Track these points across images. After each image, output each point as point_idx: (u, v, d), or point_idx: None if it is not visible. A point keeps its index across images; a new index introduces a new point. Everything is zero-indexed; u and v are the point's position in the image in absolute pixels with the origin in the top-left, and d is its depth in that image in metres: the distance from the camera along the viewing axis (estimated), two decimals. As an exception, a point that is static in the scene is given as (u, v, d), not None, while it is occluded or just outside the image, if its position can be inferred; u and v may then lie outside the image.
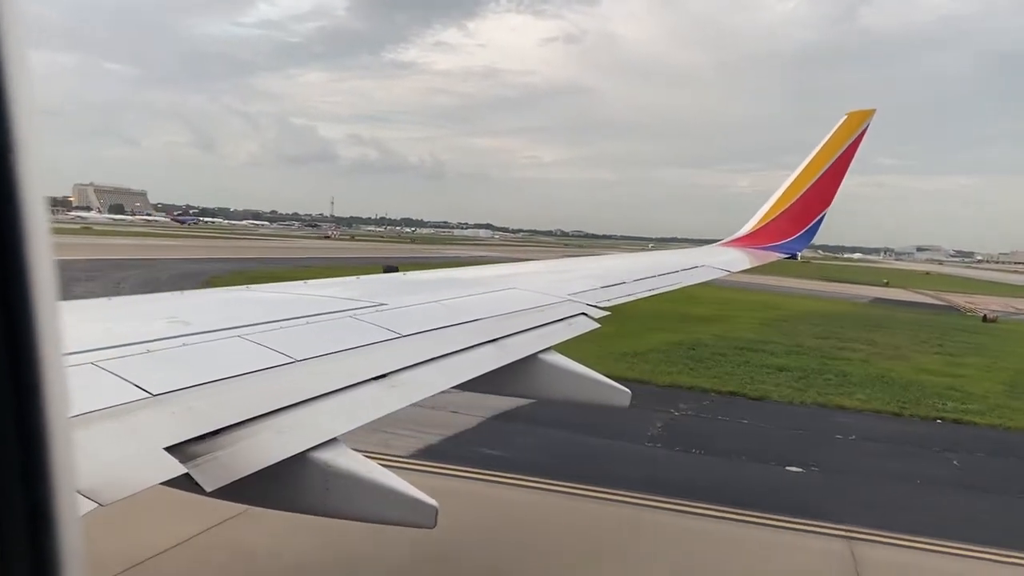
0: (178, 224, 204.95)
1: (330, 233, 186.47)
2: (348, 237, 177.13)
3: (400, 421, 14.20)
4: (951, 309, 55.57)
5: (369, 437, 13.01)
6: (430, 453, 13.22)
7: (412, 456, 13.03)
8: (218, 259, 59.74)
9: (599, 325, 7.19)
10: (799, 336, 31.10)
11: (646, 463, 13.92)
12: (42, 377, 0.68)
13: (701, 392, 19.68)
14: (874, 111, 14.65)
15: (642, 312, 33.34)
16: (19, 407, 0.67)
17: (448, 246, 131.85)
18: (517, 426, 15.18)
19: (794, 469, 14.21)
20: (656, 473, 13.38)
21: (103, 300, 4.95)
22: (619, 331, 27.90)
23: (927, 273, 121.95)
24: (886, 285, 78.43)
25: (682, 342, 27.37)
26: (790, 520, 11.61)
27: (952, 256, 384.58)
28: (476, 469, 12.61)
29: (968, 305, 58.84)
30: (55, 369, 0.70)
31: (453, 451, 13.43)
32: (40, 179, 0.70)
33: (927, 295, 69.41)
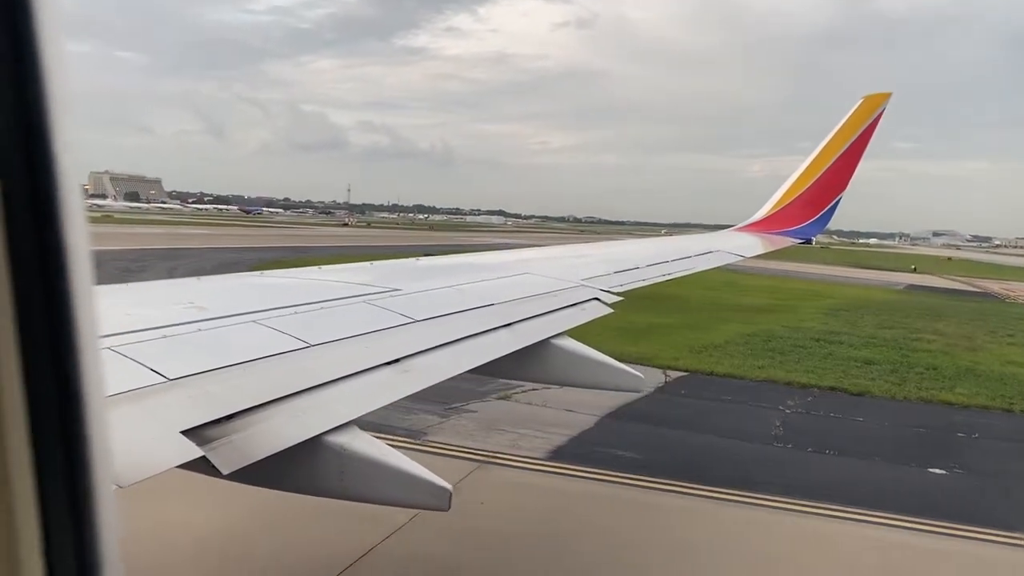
0: (244, 214, 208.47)
1: (348, 220, 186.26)
2: (365, 224, 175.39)
3: (521, 420, 14.07)
4: (989, 296, 54.01)
5: (497, 438, 12.94)
6: (563, 454, 12.70)
7: (549, 458, 12.46)
8: (253, 248, 58.05)
9: (612, 310, 7.18)
10: (865, 326, 30.22)
11: (785, 466, 13.23)
12: (80, 360, 0.71)
13: (800, 387, 18.83)
14: (890, 94, 14.49)
15: (699, 302, 33.32)
16: (59, 388, 0.70)
17: (470, 233, 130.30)
18: (635, 426, 14.68)
19: (937, 471, 13.43)
20: (801, 476, 12.65)
21: (120, 286, 5.00)
22: (687, 323, 27.69)
23: (949, 259, 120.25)
24: (914, 271, 77.15)
25: (755, 333, 26.47)
26: (965, 528, 10.74)
27: (969, 241, 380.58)
28: (618, 473, 11.99)
29: (1006, 292, 57.65)
30: (91, 352, 0.72)
31: (586, 453, 12.88)
32: (75, 166, 0.72)
33: (959, 281, 67.68)
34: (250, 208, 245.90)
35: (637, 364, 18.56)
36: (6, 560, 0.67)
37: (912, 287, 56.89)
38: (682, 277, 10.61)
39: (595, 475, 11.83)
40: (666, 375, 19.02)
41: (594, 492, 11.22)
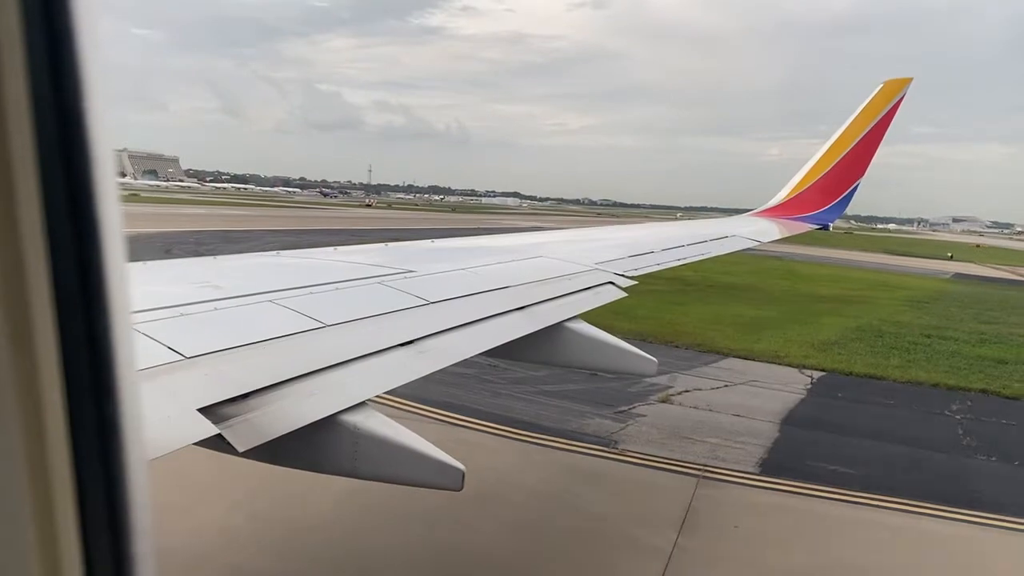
0: (323, 197, 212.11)
1: (370, 201, 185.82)
2: (385, 205, 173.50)
3: (700, 427, 13.45)
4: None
5: (692, 447, 12.33)
6: (775, 468, 11.87)
7: (764, 473, 11.66)
8: (307, 231, 55.75)
9: (625, 294, 7.17)
10: (961, 320, 29.20)
11: (1010, 482, 12.16)
12: (113, 335, 0.73)
13: (949, 390, 17.80)
14: (911, 80, 14.30)
15: (779, 293, 33.05)
16: (93, 362, 0.72)
17: (494, 216, 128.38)
18: (821, 435, 13.86)
19: None
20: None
21: (138, 264, 5.04)
22: (787, 316, 27.04)
23: (977, 246, 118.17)
24: (951, 259, 75.49)
25: (860, 328, 25.40)
26: None
27: (989, 227, 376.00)
28: (853, 492, 11.16)
29: None
30: (124, 328, 0.75)
31: (795, 466, 12.03)
32: (109, 142, 0.73)
33: (1002, 270, 66.10)
34: (328, 191, 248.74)
35: (775, 364, 18.83)
36: (46, 528, 0.70)
37: (961, 276, 55.58)
38: (707, 260, 10.67)
39: (830, 494, 11.05)
40: (810, 376, 18.11)
41: (843, 515, 10.39)
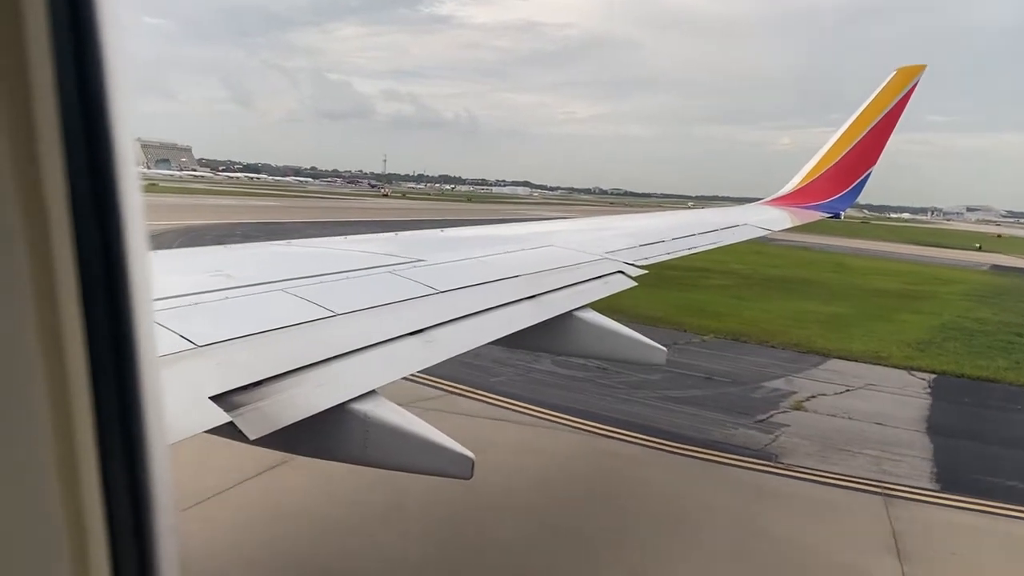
0: (371, 188, 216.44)
1: (386, 191, 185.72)
2: (400, 195, 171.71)
3: (850, 437, 12.91)
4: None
5: (852, 461, 11.79)
6: (953, 484, 11.29)
7: (945, 490, 11.05)
8: (341, 223, 53.72)
9: (635, 283, 7.16)
10: None
11: None
12: (135, 320, 0.76)
13: None
14: (924, 67, 14.15)
15: (841, 287, 32.68)
16: (116, 347, 0.76)
17: (513, 206, 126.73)
18: (974, 445, 13.26)
19: None
20: None
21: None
22: (862, 312, 26.60)
23: (999, 236, 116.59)
24: (979, 249, 74.12)
25: (945, 325, 24.97)
26: None
27: (1004, 216, 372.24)
28: None
29: None
30: (145, 313, 0.78)
31: (971, 482, 11.46)
32: (130, 130, 0.75)
33: None
34: (376, 183, 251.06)
35: (880, 365, 18.30)
36: (73, 508, 0.73)
37: (998, 268, 54.93)
38: (719, 250, 10.63)
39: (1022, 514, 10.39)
40: (923, 379, 17.52)
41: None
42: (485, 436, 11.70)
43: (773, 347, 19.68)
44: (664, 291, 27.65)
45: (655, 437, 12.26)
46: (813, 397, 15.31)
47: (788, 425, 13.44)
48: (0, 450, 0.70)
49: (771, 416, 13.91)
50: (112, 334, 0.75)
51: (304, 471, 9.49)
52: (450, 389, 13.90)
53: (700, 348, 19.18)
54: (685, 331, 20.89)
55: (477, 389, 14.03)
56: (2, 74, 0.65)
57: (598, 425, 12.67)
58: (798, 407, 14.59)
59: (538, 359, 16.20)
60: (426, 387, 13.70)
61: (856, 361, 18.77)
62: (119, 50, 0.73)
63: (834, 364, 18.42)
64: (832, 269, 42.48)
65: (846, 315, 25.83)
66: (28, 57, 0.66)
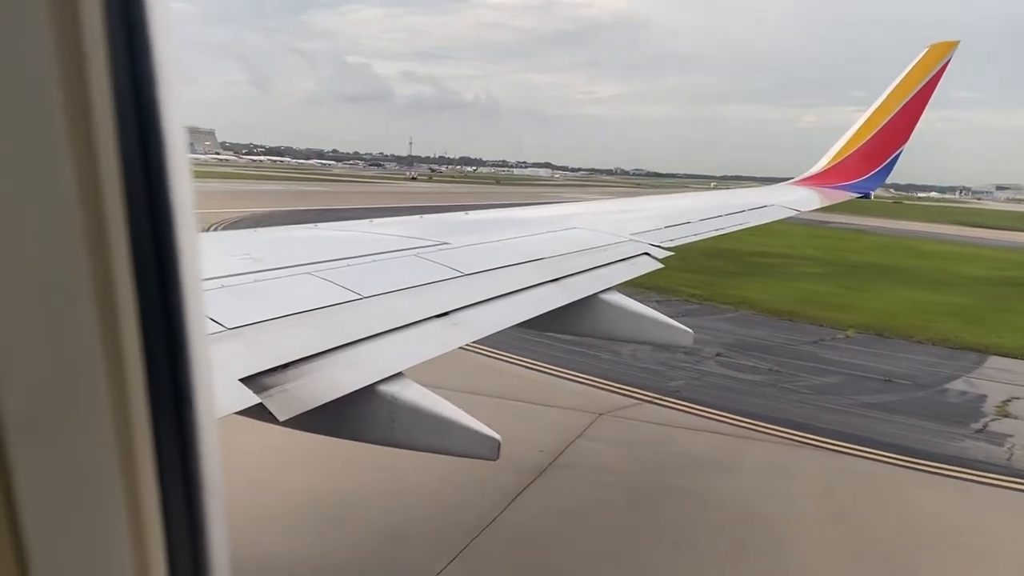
0: (431, 172, 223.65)
1: (415, 174, 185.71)
2: (427, 178, 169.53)
3: None
4: None
5: None
6: None
7: None
8: (394, 208, 52.18)
9: (662, 265, 7.11)
10: None
11: None
12: (185, 300, 0.79)
13: None
14: (957, 43, 13.84)
15: (934, 274, 32.07)
16: (168, 327, 0.78)
17: (540, 187, 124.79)
18: None
19: None
20: None
21: None
22: (978, 303, 25.69)
23: None
24: None
25: None
26: None
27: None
28: None
29: None
30: (195, 293, 0.81)
31: None
32: (180, 110, 0.77)
33: None
34: (436, 167, 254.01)
35: None
36: (130, 481, 0.77)
37: None
38: (747, 231, 10.41)
39: None
40: None
41: None
42: (725, 454, 11.18)
43: (921, 343, 19.04)
44: (763, 280, 27.61)
45: (889, 452, 11.57)
46: (1010, 401, 14.49)
47: (1011, 435, 12.67)
48: (67, 435, 0.73)
49: (986, 425, 13.14)
50: (165, 316, 0.78)
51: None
52: (636, 395, 13.49)
53: (850, 345, 18.58)
54: (822, 325, 20.37)
55: (662, 395, 13.59)
56: (63, 73, 0.66)
57: (816, 438, 12.03)
58: (1003, 412, 13.78)
59: (701, 361, 15.94)
60: (612, 394, 13.49)
61: (1017, 358, 17.96)
62: (168, 39, 0.75)
63: (997, 362, 17.60)
64: (910, 254, 41.68)
65: (969, 306, 25.02)
66: (85, 51, 0.67)
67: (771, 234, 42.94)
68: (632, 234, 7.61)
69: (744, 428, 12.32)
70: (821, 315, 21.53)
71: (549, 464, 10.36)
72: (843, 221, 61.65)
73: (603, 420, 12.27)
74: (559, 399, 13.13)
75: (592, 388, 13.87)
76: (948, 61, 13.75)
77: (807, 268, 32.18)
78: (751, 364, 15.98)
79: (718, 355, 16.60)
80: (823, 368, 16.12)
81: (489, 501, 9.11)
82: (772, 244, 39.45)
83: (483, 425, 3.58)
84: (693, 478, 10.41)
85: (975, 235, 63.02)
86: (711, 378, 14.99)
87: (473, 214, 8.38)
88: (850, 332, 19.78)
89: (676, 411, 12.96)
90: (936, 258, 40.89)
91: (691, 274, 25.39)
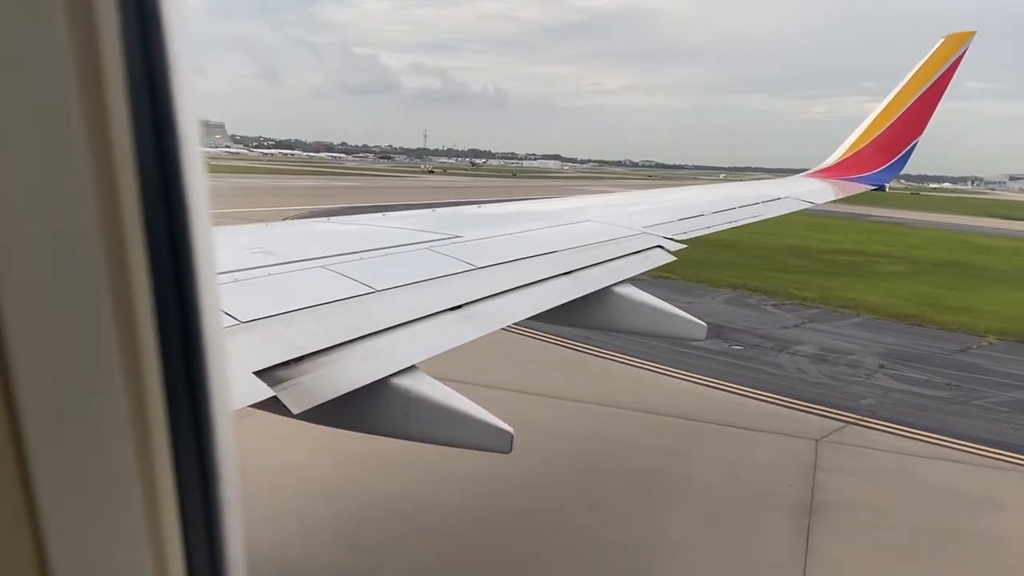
0: (471, 166, 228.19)
1: (430, 167, 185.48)
2: (441, 171, 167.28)
3: None
4: None
5: None
6: None
7: None
8: (437, 204, 50.97)
9: (675, 258, 7.08)
10: None
11: None
12: (200, 294, 0.80)
13: None
14: (973, 33, 13.68)
15: (1010, 272, 31.60)
16: (184, 321, 0.79)
17: (557, 180, 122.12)
18: None
19: None
20: None
21: None
22: None
23: None
24: None
25: None
26: None
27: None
28: None
29: None
30: (210, 287, 0.82)
31: None
32: (195, 104, 0.77)
33: None
34: (476, 161, 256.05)
35: None
36: (147, 473, 0.78)
37: None
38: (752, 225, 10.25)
39: None
40: None
41: None
42: (982, 486, 10.47)
43: None
44: (858, 280, 27.01)
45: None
46: None
47: None
48: (85, 429, 0.74)
49: None
50: (180, 308, 0.78)
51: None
52: (834, 416, 12.72)
53: (999, 353, 17.93)
54: (954, 331, 19.68)
55: (861, 416, 12.77)
56: (78, 67, 0.66)
57: (1003, 453, 11.44)
58: None
59: (871, 375, 15.30)
60: (806, 414, 12.80)
61: None
62: (183, 33, 0.75)
63: None
64: (973, 250, 40.68)
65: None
66: (100, 46, 0.67)
67: (827, 230, 42.80)
68: (645, 227, 7.57)
69: (976, 455, 11.51)
70: (945, 319, 20.99)
71: (811, 502, 9.61)
72: (881, 215, 60.86)
73: (825, 447, 11.43)
74: (753, 421, 12.36)
75: (778, 407, 13.14)
76: (964, 52, 13.60)
77: (890, 267, 31.48)
78: (922, 377, 15.25)
79: (882, 367, 16.00)
80: (997, 381, 15.40)
81: (785, 551, 8.51)
82: (836, 240, 38.54)
83: (496, 418, 3.57)
84: (974, 519, 9.60)
85: (1013, 228, 61.68)
86: (895, 394, 14.23)
87: (486, 207, 8.38)
88: (991, 339, 19.24)
89: (892, 435, 12.13)
90: (1004, 254, 39.92)
91: (783, 273, 24.66)
